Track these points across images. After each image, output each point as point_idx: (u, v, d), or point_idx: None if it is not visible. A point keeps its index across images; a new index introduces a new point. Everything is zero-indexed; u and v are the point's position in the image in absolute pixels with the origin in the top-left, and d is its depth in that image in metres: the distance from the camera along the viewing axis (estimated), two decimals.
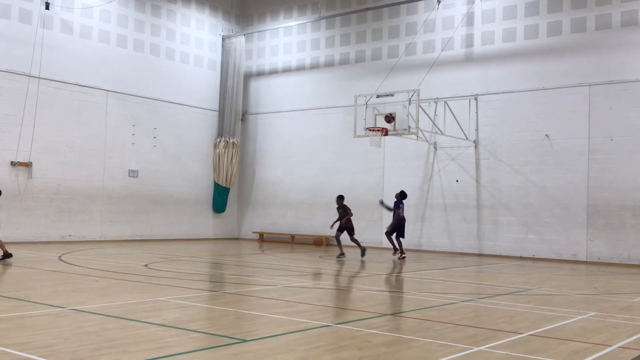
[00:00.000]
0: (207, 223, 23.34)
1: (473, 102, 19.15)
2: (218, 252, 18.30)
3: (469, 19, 19.53)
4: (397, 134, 17.16)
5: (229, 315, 7.46)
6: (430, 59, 19.83)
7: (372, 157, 20.66)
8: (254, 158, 24.15)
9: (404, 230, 16.84)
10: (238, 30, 24.31)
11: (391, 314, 7.97)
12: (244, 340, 5.92)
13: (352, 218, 16.19)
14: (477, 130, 19.09)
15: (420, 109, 16.89)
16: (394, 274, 13.46)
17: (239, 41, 23.61)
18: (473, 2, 19.40)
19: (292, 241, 22.57)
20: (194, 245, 20.16)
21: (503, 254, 18.44)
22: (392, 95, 17.48)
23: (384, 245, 19.84)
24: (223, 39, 23.80)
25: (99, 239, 19.84)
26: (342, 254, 15.88)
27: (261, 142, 24.00)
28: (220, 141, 23.21)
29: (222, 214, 23.72)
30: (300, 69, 23.18)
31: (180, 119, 22.42)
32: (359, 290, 10.13)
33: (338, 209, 16.34)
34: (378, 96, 17.88)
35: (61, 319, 6.81)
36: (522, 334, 6.60)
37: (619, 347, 6.10)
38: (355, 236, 16.35)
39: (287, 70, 23.53)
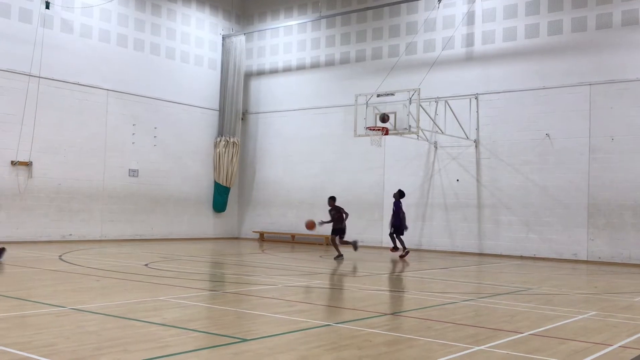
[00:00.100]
0: (207, 222, 23.34)
1: (474, 101, 19.14)
2: (218, 251, 18.30)
3: (470, 18, 19.52)
4: (397, 133, 17.15)
5: (230, 315, 7.46)
6: (430, 58, 19.82)
7: (372, 157, 20.66)
8: (254, 157, 24.15)
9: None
10: (238, 29, 24.30)
11: (391, 314, 7.97)
12: (245, 340, 5.92)
13: (347, 218, 16.06)
14: (477, 129, 19.09)
15: (420, 108, 16.89)
16: (395, 274, 13.45)
17: (240, 40, 23.61)
18: (474, 2, 19.39)
19: (293, 241, 22.57)
20: (194, 244, 20.16)
21: (504, 253, 18.44)
22: (392, 94, 17.47)
23: (384, 245, 19.84)
24: (223, 38, 23.80)
25: (99, 239, 19.85)
26: (340, 256, 15.82)
27: (261, 141, 24.00)
28: (220, 140, 23.21)
29: (222, 213, 23.71)
30: (300, 68, 23.18)
31: (181, 118, 22.42)
32: (360, 289, 10.13)
33: (330, 210, 16.10)
34: (378, 95, 17.88)
35: (61, 318, 6.80)
36: (522, 333, 6.59)
37: (620, 346, 6.09)
38: (346, 238, 16.18)
39: (287, 70, 23.52)
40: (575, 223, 17.41)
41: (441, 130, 18.55)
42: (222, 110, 23.46)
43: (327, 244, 21.14)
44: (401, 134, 17.26)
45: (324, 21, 22.41)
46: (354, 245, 16.23)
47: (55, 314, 7.02)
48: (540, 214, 17.96)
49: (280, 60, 23.73)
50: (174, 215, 22.17)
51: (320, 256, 16.33)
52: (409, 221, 17.93)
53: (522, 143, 18.35)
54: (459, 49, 19.72)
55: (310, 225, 15.65)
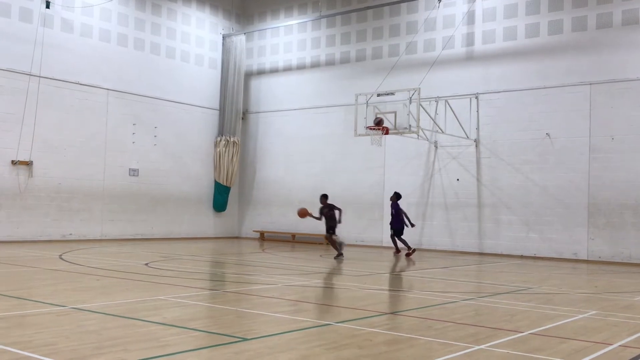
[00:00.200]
0: (207, 222, 23.34)
1: (474, 100, 19.14)
2: (219, 250, 18.30)
3: (470, 18, 19.52)
4: (397, 132, 17.15)
5: (230, 314, 7.46)
6: (431, 57, 19.82)
7: (372, 156, 20.66)
8: (254, 157, 24.15)
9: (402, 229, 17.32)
10: (239, 28, 24.30)
11: (392, 313, 7.97)
12: (245, 339, 5.92)
13: (341, 214, 15.83)
14: (477, 129, 19.08)
15: (421, 108, 16.89)
16: (395, 273, 13.46)
17: (240, 40, 23.60)
18: (474, 1, 19.39)
19: (293, 240, 22.57)
20: (194, 244, 20.17)
21: (504, 252, 18.44)
22: (392, 94, 17.47)
23: (384, 245, 19.85)
24: (224, 37, 23.79)
25: (99, 238, 19.85)
26: (340, 254, 15.78)
27: (262, 141, 24.00)
28: (220, 140, 23.21)
29: (222, 212, 23.72)
30: (300, 67, 23.18)
31: (181, 117, 22.42)
32: (360, 289, 10.13)
33: (323, 208, 15.88)
34: (379, 95, 17.88)
35: (62, 317, 6.81)
36: (522, 332, 6.59)
37: (620, 345, 6.09)
38: (336, 237, 15.92)
39: (287, 69, 23.52)
40: (576, 222, 17.41)
41: (441, 130, 18.55)
42: (222, 110, 23.46)
43: (327, 244, 21.14)
44: (401, 133, 17.26)
45: (324, 21, 22.41)
46: (337, 254, 15.68)
47: (56, 313, 7.03)
48: (541, 214, 17.96)
49: (280, 60, 23.73)
50: (175, 214, 22.17)
51: (321, 255, 16.33)
52: (412, 219, 18.07)
53: (522, 142, 18.35)
54: (459, 48, 19.72)
55: (303, 213, 15.59)
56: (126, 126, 20.71)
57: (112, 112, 20.32)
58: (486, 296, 9.66)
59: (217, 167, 23.28)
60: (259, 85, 24.27)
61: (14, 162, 17.88)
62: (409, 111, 16.74)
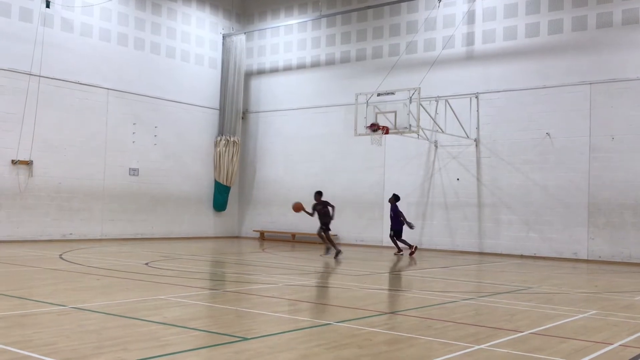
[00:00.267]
0: (207, 221, 23.35)
1: (474, 100, 19.13)
2: (219, 250, 18.30)
3: (470, 17, 19.52)
4: (397, 132, 17.15)
5: (230, 314, 7.46)
6: (431, 57, 19.82)
7: (373, 156, 20.66)
8: (254, 156, 24.15)
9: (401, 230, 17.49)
10: (239, 28, 24.30)
11: (392, 313, 7.97)
12: (245, 339, 5.92)
13: (334, 211, 15.91)
14: (478, 128, 19.08)
15: (421, 108, 16.89)
16: (395, 273, 13.46)
17: (240, 39, 23.60)
18: (474, 1, 19.38)
19: (293, 240, 22.57)
20: (194, 243, 20.17)
21: (504, 252, 18.44)
22: (392, 93, 17.46)
23: (384, 244, 19.85)
24: (224, 37, 23.79)
25: (99, 238, 19.86)
26: (339, 252, 15.79)
27: (262, 140, 24.00)
28: (220, 139, 23.21)
29: (222, 212, 23.72)
30: (301, 67, 23.18)
31: (181, 117, 22.42)
32: (360, 288, 10.13)
33: (316, 205, 15.91)
34: (379, 94, 17.87)
35: (62, 317, 6.81)
36: (522, 332, 6.59)
37: (620, 345, 6.09)
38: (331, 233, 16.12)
39: (287, 69, 23.52)
40: (576, 222, 17.41)
41: (441, 130, 18.54)
42: (222, 110, 23.45)
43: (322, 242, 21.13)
44: (401, 133, 17.26)
45: (324, 20, 22.41)
46: (328, 250, 15.97)
47: (56, 312, 7.03)
48: (541, 213, 17.96)
49: (280, 60, 23.73)
50: (175, 214, 22.17)
51: (321, 255, 16.33)
52: (411, 220, 18.24)
53: (522, 142, 18.35)
54: (459, 48, 19.71)
55: (298, 207, 15.65)
56: (126, 126, 20.71)
57: (112, 111, 20.32)
58: (486, 296, 9.66)
59: (217, 166, 23.28)
60: (259, 85, 24.27)
61: (14, 162, 17.88)
62: (409, 111, 16.74)
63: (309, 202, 16.35)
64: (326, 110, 22.25)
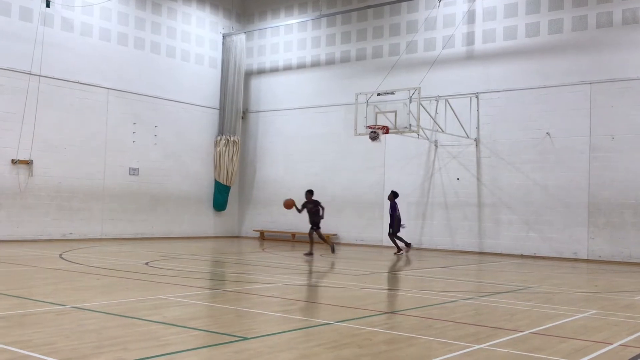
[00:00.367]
0: (207, 221, 23.34)
1: (474, 100, 19.13)
2: (219, 250, 18.30)
3: (470, 17, 19.51)
4: (397, 132, 17.15)
5: (230, 313, 7.46)
6: (431, 56, 19.82)
7: (373, 155, 20.65)
8: (254, 156, 24.15)
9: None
10: (239, 28, 24.30)
11: (392, 312, 7.97)
12: (245, 338, 5.92)
13: (324, 211, 16.01)
14: (478, 128, 19.08)
15: (421, 107, 16.89)
16: (395, 272, 13.46)
17: (240, 39, 23.60)
18: (474, 0, 19.38)
19: (293, 239, 22.56)
20: (194, 243, 20.17)
21: (504, 252, 18.44)
22: (393, 93, 17.46)
23: (384, 244, 19.84)
24: (224, 36, 23.79)
25: (99, 237, 19.86)
26: (310, 253, 15.79)
27: (262, 140, 24.00)
28: (221, 139, 23.21)
29: (222, 212, 23.72)
30: (301, 67, 23.17)
31: (181, 116, 22.42)
32: (360, 288, 10.13)
33: (307, 204, 15.91)
34: (379, 94, 17.86)
35: (62, 316, 6.81)
36: (522, 332, 6.59)
37: (620, 345, 6.09)
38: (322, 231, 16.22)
39: (287, 68, 23.52)
40: (576, 222, 17.41)
41: (441, 129, 18.54)
42: (222, 109, 23.45)
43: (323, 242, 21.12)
44: (401, 132, 17.26)
45: (324, 20, 22.41)
46: (332, 248, 16.41)
47: (56, 312, 7.03)
48: (541, 213, 17.96)
49: (280, 59, 23.73)
50: (175, 214, 22.17)
51: (321, 255, 16.33)
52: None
53: (522, 142, 18.35)
54: (459, 47, 19.71)
55: (289, 204, 15.66)
56: (126, 125, 20.71)
57: (112, 111, 20.32)
58: (486, 295, 9.66)
59: (217, 166, 23.28)
60: (259, 85, 24.27)
61: (14, 162, 17.88)
62: (409, 110, 16.74)
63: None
64: (326, 110, 22.25)
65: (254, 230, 23.82)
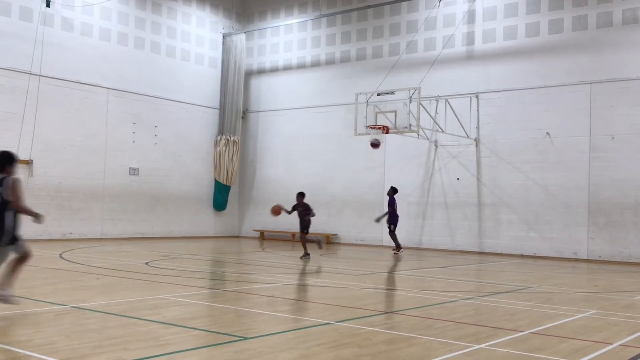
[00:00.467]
0: (207, 221, 23.34)
1: (474, 100, 19.13)
2: (219, 250, 18.30)
3: (470, 17, 19.51)
4: (398, 132, 17.16)
5: (230, 313, 7.46)
6: (431, 56, 19.81)
7: (373, 155, 20.60)
8: (254, 156, 24.15)
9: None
10: (239, 28, 24.30)
11: (392, 312, 7.97)
12: (245, 338, 5.92)
13: (312, 215, 15.37)
14: (478, 128, 19.08)
15: (421, 107, 16.89)
16: (395, 272, 13.46)
17: (240, 39, 23.60)
18: (474, 0, 19.37)
19: (293, 239, 22.54)
20: (194, 243, 20.17)
21: (504, 252, 18.44)
22: (393, 93, 17.46)
23: (385, 244, 19.84)
24: (224, 36, 23.79)
25: (99, 237, 19.85)
26: (306, 254, 15.26)
27: (262, 140, 23.99)
28: (221, 139, 23.21)
29: (222, 211, 23.71)
30: (301, 66, 23.17)
31: (181, 116, 22.42)
32: (360, 288, 10.13)
33: (297, 206, 15.37)
34: (379, 94, 17.86)
35: (62, 316, 6.81)
36: (522, 331, 6.59)
37: (620, 345, 6.09)
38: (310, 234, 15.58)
39: (288, 68, 23.52)
40: (576, 222, 17.41)
41: (441, 129, 18.54)
42: (222, 109, 23.45)
43: (327, 242, 21.15)
44: (401, 132, 17.26)
45: (324, 20, 22.40)
46: (318, 243, 15.65)
47: (56, 312, 7.03)
48: (541, 213, 17.95)
49: (280, 59, 23.73)
50: (175, 213, 22.17)
51: (321, 255, 16.33)
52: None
53: (522, 142, 18.35)
54: (459, 47, 19.71)
55: (277, 210, 15.30)
56: (126, 125, 20.71)
57: (112, 111, 20.32)
58: (486, 295, 9.66)
59: (217, 166, 23.27)
60: (259, 85, 24.27)
61: None
62: (409, 110, 16.74)
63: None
64: (326, 110, 22.24)
65: (254, 230, 23.82)
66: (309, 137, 22.55)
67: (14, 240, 6.82)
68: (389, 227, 17.43)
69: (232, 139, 23.24)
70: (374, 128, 17.03)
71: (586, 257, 17.17)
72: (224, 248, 18.83)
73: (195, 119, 22.89)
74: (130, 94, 20.80)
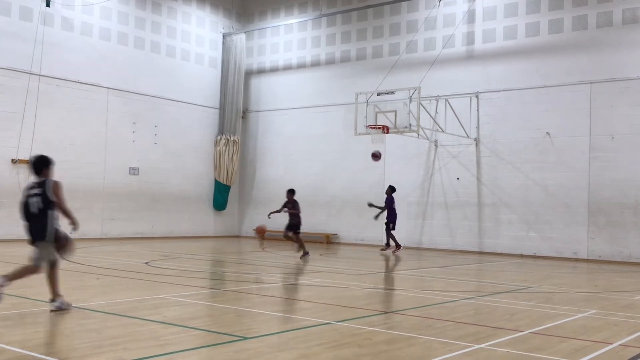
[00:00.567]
0: (207, 221, 23.34)
1: (474, 99, 19.13)
2: (219, 249, 18.30)
3: (470, 17, 19.51)
4: (398, 131, 17.16)
5: (230, 313, 7.46)
6: (431, 56, 19.81)
7: None
8: (254, 156, 24.14)
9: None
10: (239, 27, 24.29)
11: (392, 312, 7.97)
12: (245, 338, 5.92)
13: (301, 216, 15.33)
14: (478, 128, 19.08)
15: (421, 107, 16.89)
16: (395, 272, 13.46)
17: (240, 39, 23.60)
18: (474, 0, 19.37)
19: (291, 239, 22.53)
20: (194, 242, 20.17)
21: (504, 251, 18.43)
22: (393, 93, 17.46)
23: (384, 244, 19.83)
24: (224, 36, 23.78)
25: (99, 237, 19.85)
26: (306, 253, 15.20)
27: (262, 139, 23.99)
28: (221, 139, 23.21)
29: (222, 211, 23.71)
30: (301, 66, 23.17)
31: (181, 116, 22.42)
32: (360, 288, 10.13)
33: (287, 203, 15.29)
34: (379, 94, 17.85)
35: (62, 316, 6.81)
36: (522, 331, 6.59)
37: (620, 345, 6.09)
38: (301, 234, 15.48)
39: (288, 68, 23.51)
40: (576, 221, 17.41)
41: (441, 129, 18.54)
42: (222, 109, 23.45)
43: (327, 242, 21.16)
44: (401, 132, 17.26)
45: (324, 19, 22.40)
46: (304, 252, 15.27)
47: (56, 312, 7.02)
48: (541, 213, 17.95)
49: (280, 59, 23.72)
50: (175, 213, 22.17)
51: (321, 254, 16.33)
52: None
53: (522, 141, 18.35)
54: (459, 47, 19.71)
55: (261, 230, 15.42)
56: (126, 125, 20.71)
57: (113, 110, 20.32)
58: (486, 295, 9.66)
59: (217, 166, 23.27)
60: (259, 84, 24.26)
61: (14, 161, 17.87)
62: (409, 110, 16.74)
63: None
64: (326, 110, 22.24)
65: (253, 230, 23.77)
66: (308, 137, 22.55)
67: (56, 239, 7.30)
68: (388, 226, 17.50)
69: (232, 138, 23.24)
70: (374, 128, 17.03)
71: (586, 257, 17.17)
72: (223, 248, 18.83)
73: (195, 118, 22.89)
74: (130, 93, 20.80)
